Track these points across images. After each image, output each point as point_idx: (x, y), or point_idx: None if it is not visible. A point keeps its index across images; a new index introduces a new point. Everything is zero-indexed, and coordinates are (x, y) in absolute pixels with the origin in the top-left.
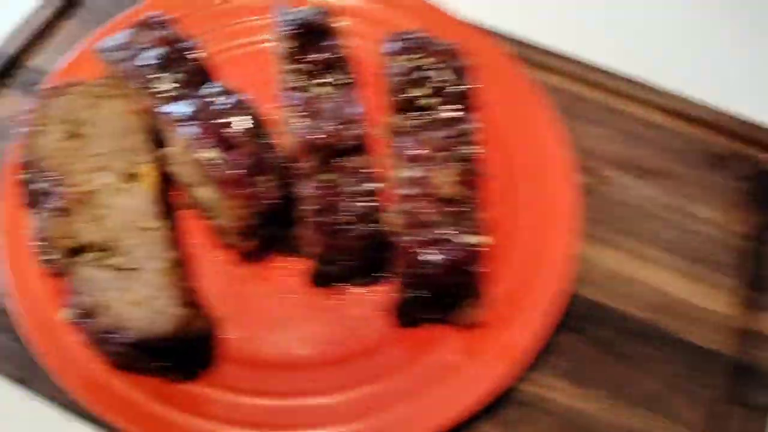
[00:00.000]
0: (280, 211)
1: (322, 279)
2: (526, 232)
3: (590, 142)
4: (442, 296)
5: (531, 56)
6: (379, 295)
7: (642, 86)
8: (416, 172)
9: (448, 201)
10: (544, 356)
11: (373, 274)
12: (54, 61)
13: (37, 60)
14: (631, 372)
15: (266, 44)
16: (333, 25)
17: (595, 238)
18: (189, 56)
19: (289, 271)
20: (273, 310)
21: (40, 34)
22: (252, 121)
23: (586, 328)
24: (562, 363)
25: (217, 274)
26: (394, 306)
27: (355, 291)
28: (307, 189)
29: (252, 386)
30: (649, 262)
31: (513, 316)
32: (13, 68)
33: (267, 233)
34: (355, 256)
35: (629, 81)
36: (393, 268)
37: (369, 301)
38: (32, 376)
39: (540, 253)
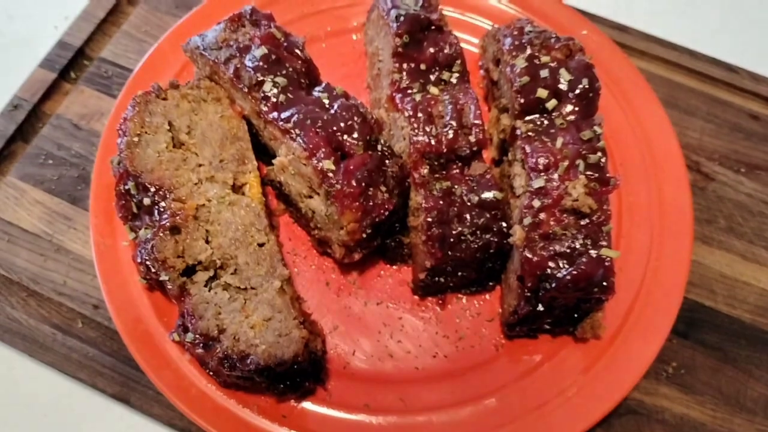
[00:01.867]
0: (392, 222)
1: (429, 289)
2: (642, 240)
3: (694, 136)
4: (567, 311)
5: (630, 42)
6: (489, 305)
7: (747, 75)
8: (544, 182)
9: (578, 212)
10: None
11: (483, 285)
12: (123, 52)
13: (105, 52)
14: (744, 377)
15: (354, 35)
16: (441, 18)
17: (704, 239)
18: (296, 55)
19: (395, 281)
20: (378, 321)
21: (105, 22)
22: (369, 128)
23: (693, 332)
24: (670, 369)
25: (318, 285)
26: (510, 319)
27: (464, 301)
28: (420, 198)
29: (361, 402)
30: (758, 263)
31: (632, 328)
32: (80, 61)
33: (375, 244)
34: (470, 268)
35: (733, 70)
36: (509, 280)
37: (479, 313)
38: (130, 392)
39: (657, 260)
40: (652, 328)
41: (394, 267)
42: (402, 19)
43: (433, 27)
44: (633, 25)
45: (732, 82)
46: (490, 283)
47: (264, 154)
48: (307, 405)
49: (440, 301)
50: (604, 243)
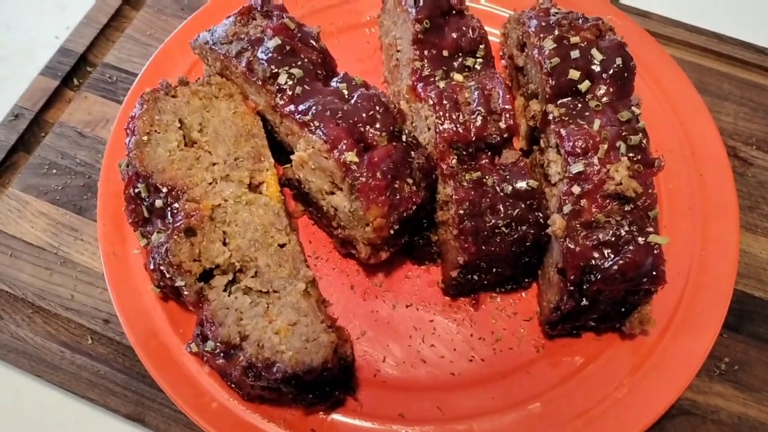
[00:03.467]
0: (419, 217)
1: (462, 289)
2: (685, 229)
3: (728, 120)
4: (614, 304)
5: (654, 28)
6: (526, 303)
7: None
8: (583, 166)
9: (622, 197)
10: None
11: (519, 282)
12: (127, 56)
13: (109, 57)
14: None
15: (367, 29)
16: (462, 2)
17: (748, 226)
18: (311, 45)
19: (423, 282)
20: (409, 325)
21: (107, 27)
22: (393, 118)
23: (744, 325)
24: (722, 365)
25: (342, 289)
26: (551, 317)
27: (498, 301)
28: (450, 190)
29: (395, 412)
30: None
31: (681, 323)
32: (83, 67)
33: (403, 242)
34: (505, 263)
35: (763, 52)
36: (548, 275)
37: (515, 312)
38: (145, 411)
39: (703, 249)
40: (702, 322)
41: (423, 267)
42: (421, 4)
43: (454, 11)
44: (655, 11)
45: (763, 64)
46: (526, 280)
47: (280, 153)
48: (338, 417)
49: (473, 302)
50: (651, 229)
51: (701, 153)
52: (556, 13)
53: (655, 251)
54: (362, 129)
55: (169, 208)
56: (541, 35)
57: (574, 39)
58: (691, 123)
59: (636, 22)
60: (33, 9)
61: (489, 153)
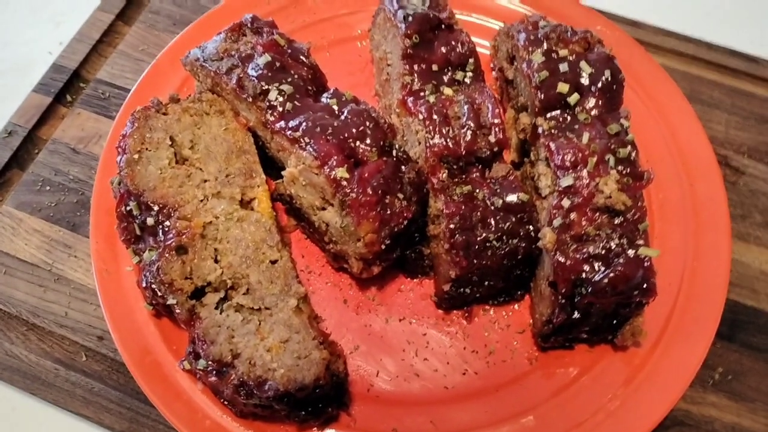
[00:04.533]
0: (411, 231)
1: (454, 302)
2: (677, 240)
3: (719, 129)
4: (605, 317)
5: (644, 37)
6: (518, 315)
7: None
8: (572, 180)
9: (611, 210)
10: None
11: (511, 294)
12: (120, 72)
13: (102, 73)
14: None
15: (359, 42)
16: (451, 17)
17: (741, 235)
18: (301, 61)
19: (416, 295)
20: (402, 339)
21: (100, 43)
22: (383, 133)
23: (737, 335)
24: (716, 375)
25: (336, 303)
26: (544, 329)
27: (491, 313)
28: (441, 204)
29: (388, 427)
30: None
31: (674, 333)
32: (76, 83)
33: (395, 256)
34: (497, 276)
35: (753, 60)
36: (540, 288)
37: (508, 325)
38: (139, 428)
39: (695, 260)
40: (695, 332)
41: (415, 280)
42: (410, 19)
43: (443, 26)
44: (645, 20)
45: (754, 72)
46: (519, 293)
47: (272, 168)
48: None
49: (466, 315)
50: (641, 242)
51: (692, 162)
52: (545, 26)
53: (646, 264)
54: (352, 144)
55: (160, 226)
56: (530, 48)
57: (563, 52)
58: (682, 132)
59: (626, 32)
60: (27, 25)
61: (479, 167)
